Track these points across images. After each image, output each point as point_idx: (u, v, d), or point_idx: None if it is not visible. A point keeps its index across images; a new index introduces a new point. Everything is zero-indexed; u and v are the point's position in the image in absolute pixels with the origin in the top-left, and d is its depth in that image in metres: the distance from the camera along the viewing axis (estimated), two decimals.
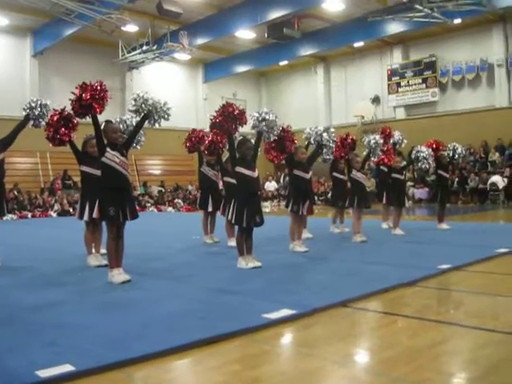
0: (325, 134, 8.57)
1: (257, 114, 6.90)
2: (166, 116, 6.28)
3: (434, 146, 10.70)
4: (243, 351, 3.69)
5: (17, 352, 3.56)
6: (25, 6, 19.42)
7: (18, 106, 7.83)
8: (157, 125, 6.28)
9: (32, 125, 7.40)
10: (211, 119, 6.84)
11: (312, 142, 8.72)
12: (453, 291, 5.64)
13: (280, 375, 3.24)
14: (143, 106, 6.10)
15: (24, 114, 7.37)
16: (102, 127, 5.95)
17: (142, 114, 6.16)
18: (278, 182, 27.71)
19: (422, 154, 10.31)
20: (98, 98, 5.79)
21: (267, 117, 6.90)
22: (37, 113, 7.24)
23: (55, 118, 6.94)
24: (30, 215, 19.39)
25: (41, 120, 7.29)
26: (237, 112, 6.67)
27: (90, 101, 5.74)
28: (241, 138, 7.03)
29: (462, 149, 11.38)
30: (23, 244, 10.71)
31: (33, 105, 7.29)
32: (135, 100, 6.12)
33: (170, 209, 22.97)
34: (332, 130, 8.80)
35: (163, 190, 24.72)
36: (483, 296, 5.29)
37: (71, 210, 19.23)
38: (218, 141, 8.59)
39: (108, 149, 5.89)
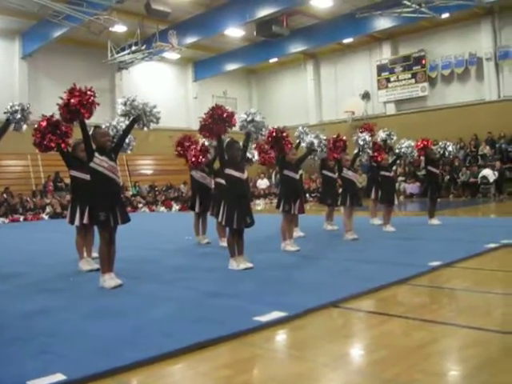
0: (316, 141, 8.67)
1: (245, 116, 6.91)
2: (154, 119, 6.27)
3: (423, 145, 10.83)
4: (234, 355, 3.71)
5: (6, 361, 3.57)
6: (12, 8, 19.32)
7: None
8: (145, 128, 6.26)
9: (13, 129, 7.21)
10: (200, 121, 6.84)
11: (304, 145, 8.81)
12: (443, 289, 5.66)
13: (271, 379, 3.26)
14: (132, 110, 6.09)
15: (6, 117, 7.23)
16: (90, 132, 5.93)
17: (131, 118, 6.16)
18: (269, 179, 27.70)
19: (403, 150, 10.50)
20: (86, 104, 5.75)
21: (255, 118, 6.91)
22: (18, 117, 7.02)
23: (43, 124, 6.90)
24: (21, 218, 19.28)
25: (22, 123, 7.09)
26: (226, 114, 6.67)
27: (77, 106, 5.71)
28: (229, 139, 7.05)
29: (453, 147, 11.45)
30: (14, 248, 10.67)
31: (14, 108, 7.14)
32: (124, 104, 6.11)
33: (163, 209, 22.93)
34: (323, 137, 8.87)
35: (150, 188, 24.69)
36: (473, 293, 5.33)
37: (63, 213, 19.13)
38: (200, 157, 8.78)
39: (96, 154, 5.87)
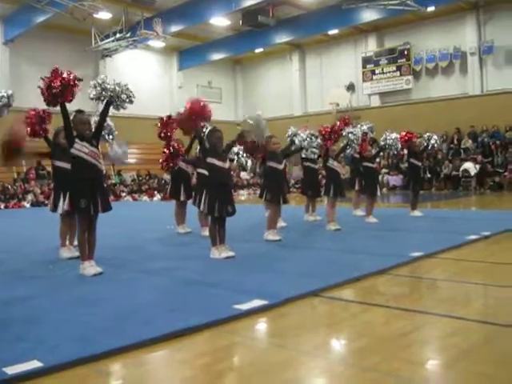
0: (306, 141, 8.77)
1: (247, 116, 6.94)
2: (127, 100, 6.07)
3: (407, 137, 10.82)
4: (214, 343, 3.68)
5: None
6: None
7: None
8: (121, 109, 6.11)
9: None
10: (177, 117, 6.82)
11: (296, 142, 8.90)
12: (424, 279, 5.68)
13: (250, 367, 3.24)
14: (104, 92, 5.93)
15: None
16: (71, 118, 5.84)
17: (105, 101, 6.00)
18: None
19: (388, 142, 10.48)
20: (68, 86, 5.64)
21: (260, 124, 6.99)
22: (3, 102, 6.95)
23: (32, 118, 6.85)
24: (2, 206, 19.11)
25: (5, 109, 7.02)
26: (203, 111, 6.57)
27: (60, 88, 5.59)
28: (211, 127, 6.98)
29: (437, 139, 11.49)
30: None
31: (1, 94, 7.06)
32: (94, 87, 5.94)
33: (145, 198, 22.85)
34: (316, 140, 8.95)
35: (135, 177, 24.63)
36: (454, 283, 5.35)
37: (45, 201, 18.97)
38: (170, 163, 8.55)
39: (77, 140, 5.79)
